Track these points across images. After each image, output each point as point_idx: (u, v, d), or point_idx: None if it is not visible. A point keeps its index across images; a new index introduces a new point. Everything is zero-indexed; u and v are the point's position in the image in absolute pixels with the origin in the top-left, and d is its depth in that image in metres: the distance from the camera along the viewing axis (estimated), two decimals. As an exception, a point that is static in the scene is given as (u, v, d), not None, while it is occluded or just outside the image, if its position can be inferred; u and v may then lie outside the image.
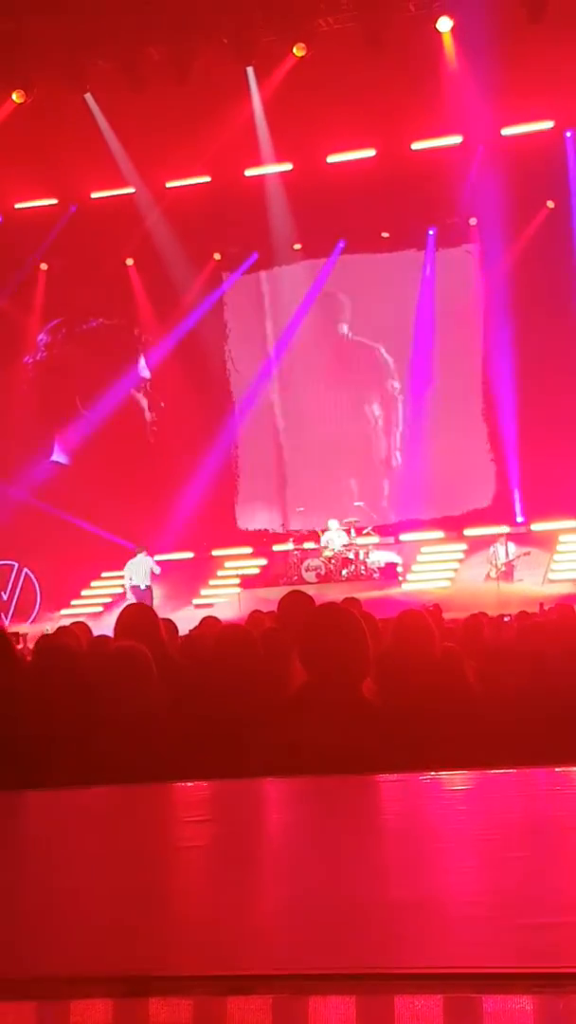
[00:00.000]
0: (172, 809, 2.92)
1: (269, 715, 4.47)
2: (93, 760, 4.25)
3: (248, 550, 25.32)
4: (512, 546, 23.11)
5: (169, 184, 24.97)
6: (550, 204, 24.16)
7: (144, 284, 26.36)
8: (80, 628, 9.08)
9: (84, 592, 25.26)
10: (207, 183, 24.76)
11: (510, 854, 2.18)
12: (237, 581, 24.24)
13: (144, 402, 26.81)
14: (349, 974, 1.61)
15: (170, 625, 7.44)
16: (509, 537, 23.29)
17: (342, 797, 2.89)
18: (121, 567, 24.56)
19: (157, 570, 23.14)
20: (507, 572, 22.74)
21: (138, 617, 5.73)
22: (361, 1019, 1.56)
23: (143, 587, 22.73)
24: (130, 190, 25.04)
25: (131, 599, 21.14)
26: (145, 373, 26.68)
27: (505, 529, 23.58)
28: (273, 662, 5.25)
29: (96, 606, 24.12)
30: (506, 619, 11.39)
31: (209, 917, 1.94)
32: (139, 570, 22.96)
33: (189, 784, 3.18)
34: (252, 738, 4.24)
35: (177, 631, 7.75)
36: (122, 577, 23.70)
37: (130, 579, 23.00)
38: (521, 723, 5.17)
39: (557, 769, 3.05)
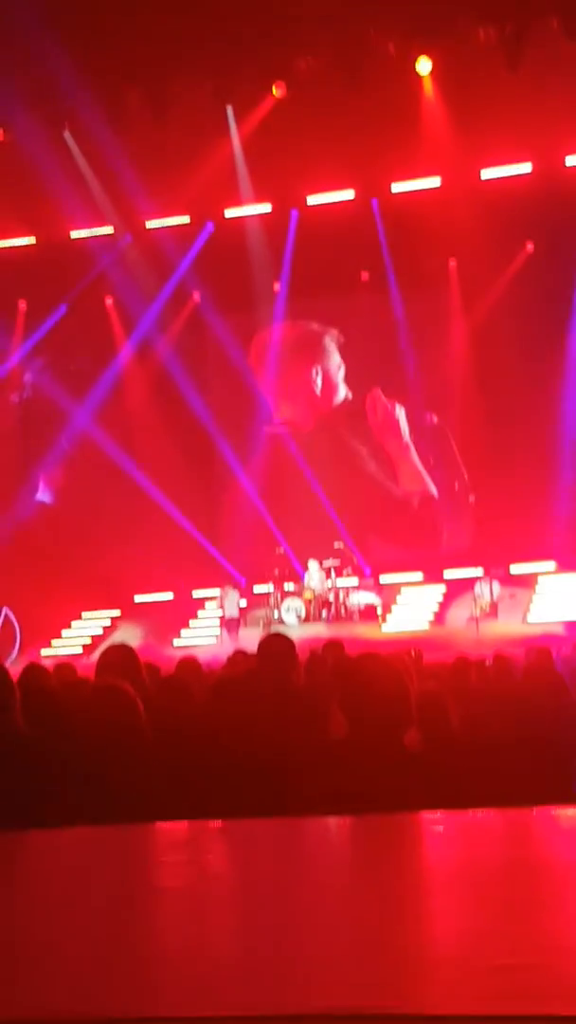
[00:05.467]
0: (150, 850, 2.92)
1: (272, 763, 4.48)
2: (84, 800, 4.24)
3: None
4: (497, 585, 23.17)
5: (149, 224, 25.06)
6: (529, 246, 24.33)
7: (123, 324, 26.42)
8: (65, 668, 9.08)
9: (65, 632, 25.16)
10: (187, 224, 24.87)
11: (488, 894, 2.19)
12: (217, 622, 24.21)
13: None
14: (324, 1015, 1.61)
15: (151, 667, 7.44)
16: (490, 578, 23.33)
17: (321, 838, 2.90)
18: (103, 607, 24.75)
19: (243, 603, 24.06)
20: (491, 612, 22.79)
21: (119, 658, 5.73)
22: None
23: (229, 618, 23.77)
24: (109, 229, 25.13)
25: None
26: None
27: (479, 571, 23.65)
28: (253, 705, 5.27)
29: (76, 647, 24.04)
30: (487, 662, 11.37)
31: (185, 958, 1.94)
32: (229, 602, 23.62)
33: (169, 824, 3.18)
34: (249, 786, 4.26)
35: (159, 672, 7.74)
36: (103, 619, 24.10)
37: (221, 611, 23.99)
38: (502, 765, 5.18)
39: (535, 810, 3.06)
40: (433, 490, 25.61)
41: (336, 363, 26.44)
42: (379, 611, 23.85)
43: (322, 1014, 1.62)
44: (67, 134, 22.51)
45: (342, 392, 26.43)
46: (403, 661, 5.74)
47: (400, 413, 25.82)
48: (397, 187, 23.80)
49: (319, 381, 26.53)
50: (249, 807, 3.92)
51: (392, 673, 4.29)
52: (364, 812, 3.11)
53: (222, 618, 23.89)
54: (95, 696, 4.88)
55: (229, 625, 23.55)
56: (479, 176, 23.32)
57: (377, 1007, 1.62)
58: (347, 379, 26.39)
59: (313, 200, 24.30)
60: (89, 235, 25.22)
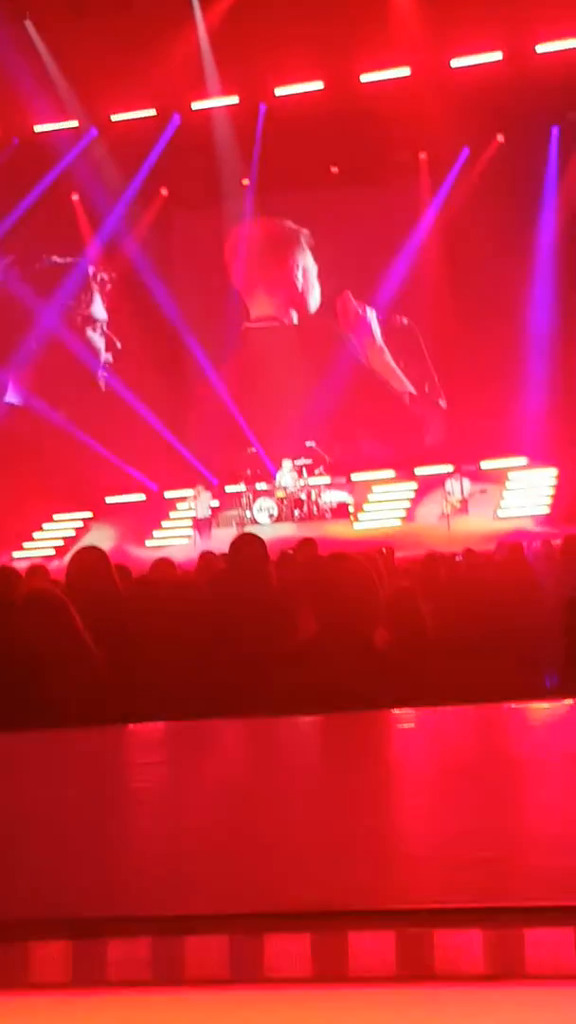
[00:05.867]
0: (124, 751, 2.94)
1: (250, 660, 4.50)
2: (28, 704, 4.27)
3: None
4: (467, 482, 23.24)
5: (114, 117, 24.58)
6: (500, 137, 24.05)
7: (91, 220, 26.03)
8: (38, 571, 9.08)
9: (36, 535, 25.14)
10: (153, 116, 24.42)
11: (458, 790, 2.22)
12: (190, 523, 24.25)
13: (101, 343, 26.58)
14: (303, 912, 1.64)
15: (123, 569, 7.44)
16: (460, 474, 23.41)
17: (292, 737, 2.92)
18: (75, 509, 24.74)
19: (215, 503, 24.16)
20: (462, 508, 22.90)
21: (90, 561, 5.73)
22: (316, 955, 1.59)
23: (202, 518, 23.80)
24: (73, 123, 24.66)
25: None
26: (101, 313, 26.46)
27: (450, 468, 23.74)
28: (220, 604, 5.30)
29: (48, 549, 24.03)
30: (457, 558, 11.45)
31: (165, 858, 1.96)
32: (201, 503, 23.79)
33: (139, 725, 3.20)
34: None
35: (131, 575, 7.75)
36: (75, 521, 24.16)
37: (194, 512, 24.03)
38: (472, 661, 5.22)
39: (504, 705, 3.09)
40: (412, 389, 25.57)
41: (311, 261, 26.21)
42: (351, 509, 23.92)
43: (296, 912, 1.64)
44: (28, 23, 21.95)
45: (318, 291, 26.24)
46: (373, 559, 5.76)
47: (371, 315, 25.66)
48: (366, 77, 23.37)
49: (300, 277, 26.30)
50: (220, 707, 3.96)
51: (361, 572, 4.31)
52: (334, 711, 3.14)
53: (194, 519, 23.95)
54: (25, 603, 4.88)
55: (201, 525, 23.62)
56: (449, 65, 22.90)
57: (350, 903, 1.65)
58: (319, 280, 26.19)
59: (281, 92, 23.87)
60: (54, 129, 24.73)
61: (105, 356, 26.30)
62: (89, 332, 26.47)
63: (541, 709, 3.20)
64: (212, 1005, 1.62)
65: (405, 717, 3.04)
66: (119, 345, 26.19)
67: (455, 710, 3.19)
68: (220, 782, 2.50)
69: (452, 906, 1.60)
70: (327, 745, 2.88)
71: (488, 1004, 1.55)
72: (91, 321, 26.46)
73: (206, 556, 10.27)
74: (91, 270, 26.34)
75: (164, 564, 8.45)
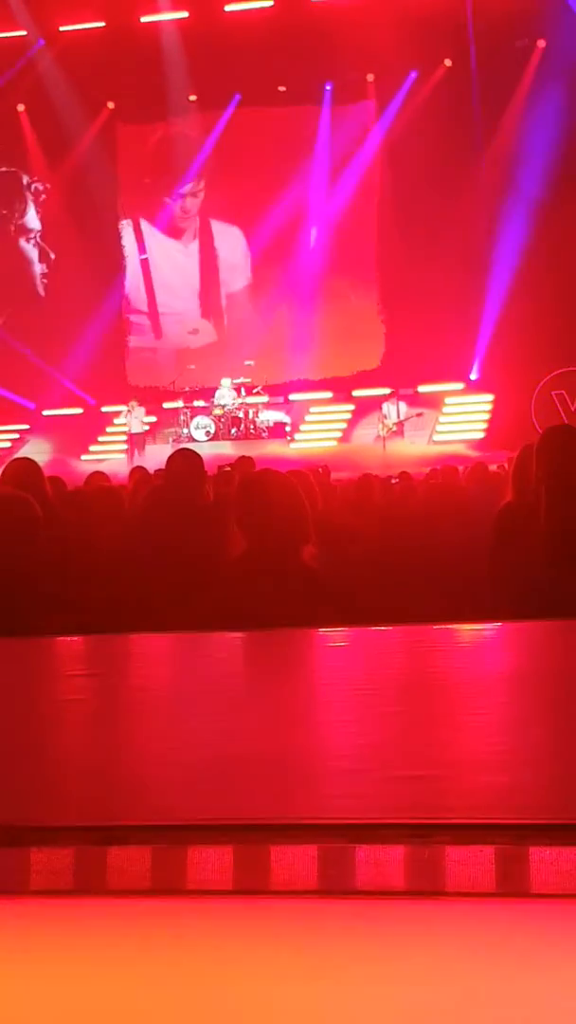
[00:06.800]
0: (54, 662, 2.94)
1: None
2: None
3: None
4: (403, 405, 23.32)
5: (62, 28, 24.14)
6: (447, 63, 23.88)
7: (36, 131, 25.60)
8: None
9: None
10: (101, 28, 23.97)
11: (385, 709, 2.24)
12: (125, 438, 24.16)
13: (34, 253, 26.21)
14: (227, 824, 1.65)
15: (56, 481, 7.40)
16: (397, 398, 23.48)
17: (222, 652, 2.93)
18: (11, 422, 24.57)
19: (152, 419, 24.22)
20: (398, 431, 22.99)
21: (22, 472, 5.67)
22: (239, 867, 1.60)
23: (136, 433, 23.77)
24: (21, 32, 24.16)
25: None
26: (35, 223, 26.08)
27: (387, 391, 23.78)
28: (155, 519, 5.28)
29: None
30: (394, 481, 11.51)
31: (88, 769, 1.96)
32: (135, 418, 23.73)
33: (71, 638, 3.19)
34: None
35: (65, 486, 7.71)
36: (11, 433, 24.03)
37: (129, 428, 23.90)
38: (404, 581, 5.25)
39: (434, 627, 3.11)
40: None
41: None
42: (288, 429, 23.94)
43: (219, 824, 1.65)
44: None
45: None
46: (307, 477, 5.76)
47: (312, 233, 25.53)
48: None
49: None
50: (149, 621, 3.95)
51: (290, 489, 4.28)
52: (263, 628, 3.14)
53: (128, 434, 23.86)
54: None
55: (136, 441, 23.53)
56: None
57: (274, 817, 1.66)
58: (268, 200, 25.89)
59: (231, 8, 23.50)
60: (1, 38, 24.23)
61: (39, 267, 25.92)
62: (22, 242, 26.10)
63: (470, 631, 3.22)
64: (132, 915, 1.63)
65: (334, 636, 3.05)
66: (52, 256, 25.81)
67: (385, 630, 3.20)
68: (147, 695, 2.50)
69: (375, 821, 1.61)
70: (256, 661, 2.89)
71: (408, 920, 1.57)
72: (24, 231, 26.08)
73: (137, 471, 10.24)
74: (25, 180, 25.91)
75: (98, 478, 8.41)
